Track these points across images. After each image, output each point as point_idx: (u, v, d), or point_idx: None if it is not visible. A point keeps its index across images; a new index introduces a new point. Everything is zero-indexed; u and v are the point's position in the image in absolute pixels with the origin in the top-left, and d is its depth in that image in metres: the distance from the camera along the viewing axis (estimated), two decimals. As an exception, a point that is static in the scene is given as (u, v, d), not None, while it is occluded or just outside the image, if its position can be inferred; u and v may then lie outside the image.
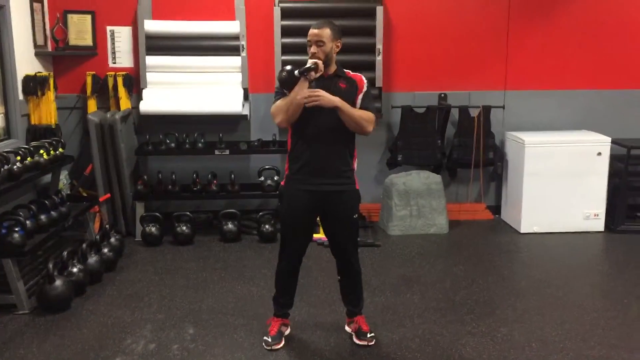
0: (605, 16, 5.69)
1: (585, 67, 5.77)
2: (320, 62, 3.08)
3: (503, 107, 5.74)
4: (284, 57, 5.37)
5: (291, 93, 3.10)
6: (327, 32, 3.14)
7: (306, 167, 3.22)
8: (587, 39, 5.73)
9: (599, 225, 5.41)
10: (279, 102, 3.16)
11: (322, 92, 3.08)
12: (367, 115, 3.19)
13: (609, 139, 5.37)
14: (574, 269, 4.60)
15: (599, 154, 5.32)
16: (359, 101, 3.22)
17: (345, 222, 3.29)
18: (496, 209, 5.92)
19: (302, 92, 3.05)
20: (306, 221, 3.31)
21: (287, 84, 3.12)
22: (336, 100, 3.10)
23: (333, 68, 3.21)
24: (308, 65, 3.07)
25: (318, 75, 3.10)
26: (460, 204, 5.89)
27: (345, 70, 3.28)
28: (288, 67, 3.15)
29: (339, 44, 3.20)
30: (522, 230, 5.43)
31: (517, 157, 5.49)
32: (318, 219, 3.39)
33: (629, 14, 5.70)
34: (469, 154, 5.64)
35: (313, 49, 3.12)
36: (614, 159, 5.38)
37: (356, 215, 3.34)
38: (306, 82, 3.07)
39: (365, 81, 3.26)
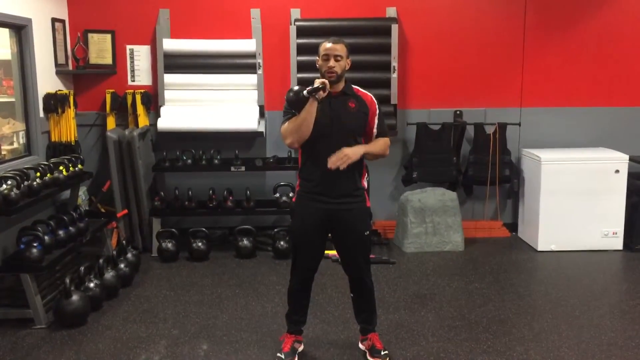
0: (621, 33, 5.67)
1: (601, 84, 5.75)
2: (327, 82, 3.10)
3: (519, 124, 5.72)
4: (299, 75, 5.43)
5: (301, 113, 3.11)
6: (343, 47, 3.18)
7: (316, 185, 3.24)
8: (604, 56, 5.70)
9: (617, 243, 5.34)
10: (288, 124, 3.17)
11: (347, 151, 3.08)
12: (385, 145, 3.28)
13: (626, 157, 5.32)
14: (591, 288, 4.54)
15: (617, 171, 5.27)
16: (375, 127, 3.25)
17: (356, 239, 3.30)
18: (513, 227, 5.88)
19: (331, 160, 3.07)
20: (317, 237, 3.31)
21: (296, 104, 3.13)
22: (361, 150, 3.15)
23: (341, 85, 3.22)
24: (316, 85, 3.08)
25: (326, 94, 3.11)
26: (476, 221, 5.86)
27: (353, 87, 3.29)
28: (296, 88, 3.16)
29: (349, 62, 3.24)
30: (539, 248, 5.38)
31: (534, 175, 5.46)
32: (330, 236, 3.39)
33: (646, 31, 5.68)
34: (485, 171, 5.62)
35: (332, 63, 3.13)
36: (632, 176, 5.33)
37: (367, 232, 3.34)
38: (315, 102, 3.08)
39: (376, 102, 3.27)
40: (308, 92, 3.07)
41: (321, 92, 3.07)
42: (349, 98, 3.23)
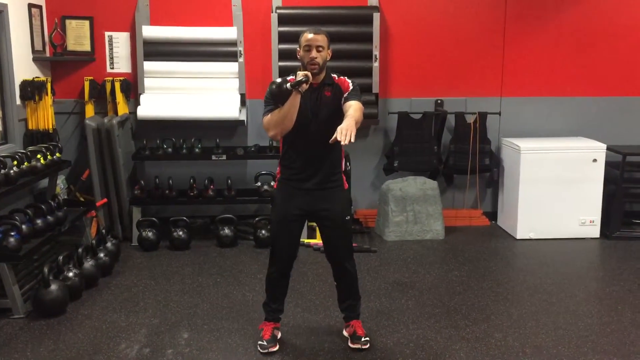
0: (601, 24, 5.72)
1: (580, 74, 5.80)
2: (310, 74, 3.09)
3: (499, 114, 5.76)
4: (281, 63, 5.40)
5: (284, 106, 3.10)
6: (324, 38, 3.17)
7: (297, 173, 3.26)
8: (583, 46, 5.75)
9: (594, 231, 5.42)
10: (271, 115, 3.16)
11: (345, 125, 2.86)
12: (357, 113, 3.03)
13: (604, 146, 5.39)
14: (569, 275, 4.61)
15: (595, 160, 5.34)
16: (343, 100, 3.16)
17: (337, 223, 3.31)
18: (492, 215, 5.93)
19: (341, 138, 2.80)
20: (295, 225, 3.34)
21: (279, 97, 3.12)
22: (352, 120, 2.94)
23: (322, 76, 3.22)
24: (299, 77, 3.07)
25: (308, 86, 3.09)
26: (456, 210, 5.90)
27: (332, 75, 3.27)
28: (278, 80, 3.16)
29: (330, 52, 3.23)
30: (518, 237, 5.44)
31: (513, 164, 5.51)
32: (315, 225, 3.40)
33: (623, 21, 5.73)
34: (465, 160, 5.66)
35: (313, 54, 3.12)
36: (609, 165, 5.40)
37: (349, 217, 3.37)
38: (298, 94, 3.08)
39: (349, 81, 3.23)
40: (291, 85, 3.06)
41: (304, 85, 3.06)
42: (326, 87, 3.22)
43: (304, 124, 3.15)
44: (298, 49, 3.20)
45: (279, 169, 3.36)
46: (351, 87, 3.20)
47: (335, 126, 2.90)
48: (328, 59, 3.21)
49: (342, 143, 2.80)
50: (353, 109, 3.05)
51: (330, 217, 3.31)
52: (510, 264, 4.93)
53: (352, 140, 2.81)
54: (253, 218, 5.36)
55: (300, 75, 3.08)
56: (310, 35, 3.15)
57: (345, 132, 2.82)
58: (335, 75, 3.28)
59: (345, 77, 3.26)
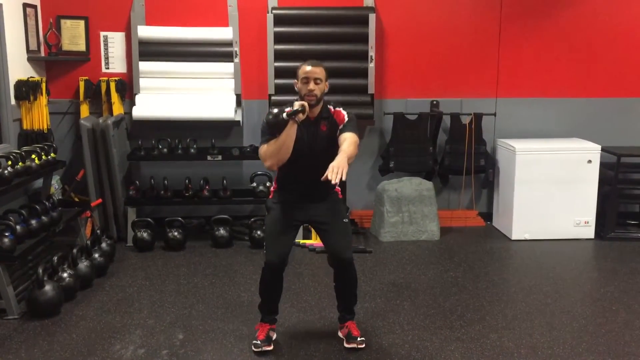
0: (596, 25, 5.74)
1: (576, 75, 5.82)
2: (306, 104, 3.11)
3: (494, 115, 5.77)
4: (276, 64, 5.38)
5: (281, 136, 3.13)
6: (322, 70, 3.20)
7: (295, 193, 3.34)
8: (578, 47, 5.77)
9: (589, 232, 5.44)
10: (267, 146, 3.19)
11: (337, 164, 2.90)
12: (351, 147, 3.08)
13: (599, 147, 5.41)
14: (563, 276, 4.62)
15: (589, 161, 5.35)
16: (338, 132, 3.22)
17: (337, 224, 3.34)
18: (488, 216, 5.94)
19: (332, 177, 2.85)
20: (290, 229, 3.36)
21: (276, 127, 3.14)
22: (345, 156, 2.98)
23: (318, 109, 3.25)
24: (296, 107, 3.09)
25: (305, 116, 3.12)
26: (451, 210, 5.91)
27: (329, 106, 3.30)
28: (275, 110, 3.18)
29: (327, 85, 3.26)
30: (513, 237, 5.45)
31: (508, 165, 5.52)
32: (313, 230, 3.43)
33: (619, 23, 5.75)
34: (461, 161, 5.67)
35: (311, 86, 3.15)
36: (604, 166, 5.42)
37: (346, 219, 3.41)
38: (295, 124, 3.11)
39: (344, 113, 3.26)
40: (288, 115, 3.09)
41: (300, 115, 3.09)
42: (322, 121, 3.26)
43: (299, 157, 3.21)
44: (296, 80, 3.23)
45: (275, 184, 3.43)
46: (346, 119, 3.24)
47: (331, 158, 2.96)
48: (326, 91, 3.24)
49: (332, 182, 2.85)
50: (347, 144, 3.10)
51: (329, 222, 3.35)
52: (506, 265, 4.94)
53: (344, 178, 2.87)
54: (248, 219, 5.36)
55: (297, 105, 3.11)
56: (308, 68, 3.17)
57: (336, 171, 2.86)
58: (331, 107, 3.31)
59: (341, 109, 3.30)
